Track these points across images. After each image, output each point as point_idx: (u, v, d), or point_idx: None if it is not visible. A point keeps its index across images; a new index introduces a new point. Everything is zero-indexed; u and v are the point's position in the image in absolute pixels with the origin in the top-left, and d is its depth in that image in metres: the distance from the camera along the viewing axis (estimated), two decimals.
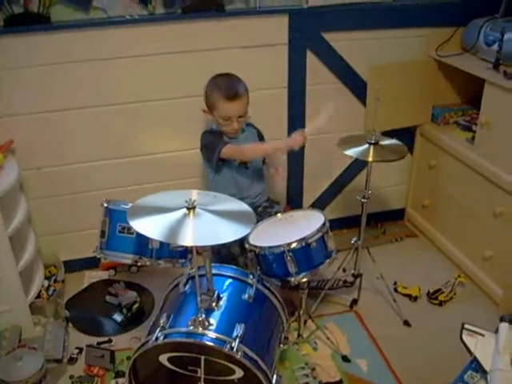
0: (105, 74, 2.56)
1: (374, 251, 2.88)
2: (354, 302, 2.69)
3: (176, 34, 2.57)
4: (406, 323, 2.56)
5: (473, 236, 2.78)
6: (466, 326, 1.73)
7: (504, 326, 1.67)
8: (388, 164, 2.89)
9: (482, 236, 2.70)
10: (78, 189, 2.76)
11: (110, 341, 2.48)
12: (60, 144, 2.67)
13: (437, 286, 2.74)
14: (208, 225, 1.70)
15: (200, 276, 1.96)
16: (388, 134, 2.87)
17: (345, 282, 2.74)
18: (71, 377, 2.30)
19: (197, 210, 1.71)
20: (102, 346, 2.42)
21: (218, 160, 2.44)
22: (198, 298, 1.84)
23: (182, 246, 2.04)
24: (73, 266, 2.92)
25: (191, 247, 1.76)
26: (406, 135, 3.11)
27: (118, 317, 2.60)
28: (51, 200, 2.77)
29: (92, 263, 2.88)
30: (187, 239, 1.64)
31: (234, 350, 1.78)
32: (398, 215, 3.41)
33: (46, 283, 2.66)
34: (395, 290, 2.76)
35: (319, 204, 3.19)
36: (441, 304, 2.66)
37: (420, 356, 2.36)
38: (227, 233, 1.70)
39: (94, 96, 2.60)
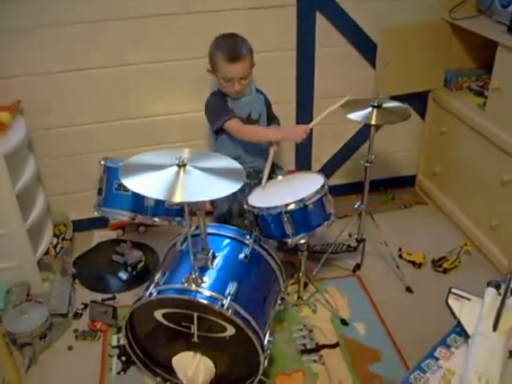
0: (111, 34, 2.56)
1: (381, 217, 2.89)
2: (357, 266, 2.69)
3: None
4: (408, 289, 2.55)
5: (480, 204, 2.74)
6: (453, 290, 1.72)
7: (490, 290, 1.65)
8: (399, 130, 2.89)
9: (489, 204, 2.66)
10: (86, 149, 2.79)
11: (114, 297, 2.55)
12: (68, 105, 2.69)
13: (442, 253, 2.72)
14: (198, 181, 1.71)
15: (197, 235, 2.01)
16: (399, 98, 2.84)
17: (348, 246, 2.74)
18: (75, 331, 2.38)
19: (187, 167, 1.72)
20: (106, 302, 2.48)
21: (220, 129, 2.44)
22: (191, 256, 1.86)
23: (177, 204, 2.06)
24: (82, 226, 2.98)
25: (185, 204, 1.78)
26: (419, 100, 3.06)
27: (123, 275, 2.67)
28: (60, 160, 2.82)
29: (101, 223, 2.94)
30: (177, 196, 1.66)
31: (225, 307, 1.81)
32: (408, 182, 3.37)
33: (54, 241, 2.73)
34: (400, 256, 2.75)
35: (328, 169, 3.18)
36: (445, 272, 2.64)
37: (419, 322, 2.35)
38: (217, 189, 1.71)
39: (101, 57, 2.61)
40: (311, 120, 2.93)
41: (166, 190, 1.66)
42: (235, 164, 1.87)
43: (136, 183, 1.71)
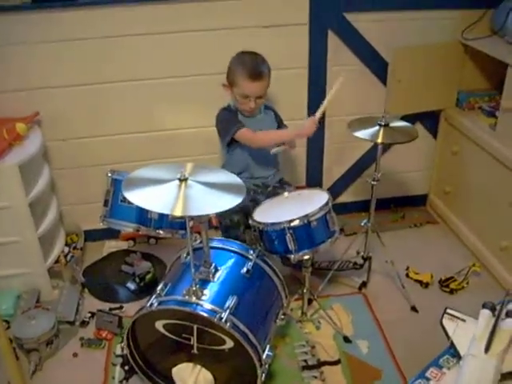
0: (129, 49, 2.64)
1: (391, 235, 2.92)
2: (363, 284, 2.69)
3: (199, 12, 2.61)
4: (414, 309, 2.54)
5: (491, 225, 2.72)
6: (448, 310, 1.72)
7: (484, 312, 1.64)
8: (411, 149, 2.90)
9: (499, 225, 2.64)
10: (100, 161, 2.85)
11: (121, 307, 2.59)
12: (84, 117, 2.77)
13: (451, 273, 2.70)
14: (199, 195, 1.75)
15: (201, 248, 2.04)
16: (411, 117, 2.87)
17: (354, 264, 2.74)
18: (81, 338, 2.42)
19: (189, 181, 1.76)
20: (113, 311, 2.52)
21: (231, 140, 2.48)
22: (192, 269, 1.89)
23: (180, 217, 2.10)
24: (94, 236, 3.04)
25: (186, 218, 1.82)
26: (431, 119, 3.07)
27: (131, 285, 2.70)
28: (75, 171, 2.89)
29: (112, 233, 2.97)
30: (178, 209, 1.69)
31: (223, 320, 1.84)
32: (420, 201, 3.36)
33: (66, 250, 2.79)
34: (407, 275, 2.74)
35: (339, 187, 3.20)
36: (452, 292, 2.62)
37: (422, 342, 2.32)
38: (218, 203, 1.75)
39: (120, 71, 2.68)
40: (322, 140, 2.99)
41: (167, 204, 1.70)
42: (236, 179, 1.90)
43: (138, 196, 1.75)
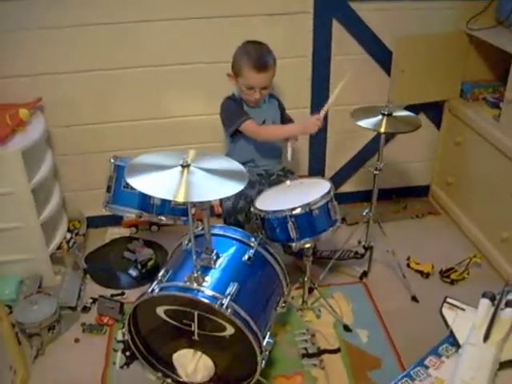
0: (134, 36, 2.64)
1: (392, 226, 2.93)
2: (365, 274, 2.70)
3: (204, 0, 2.60)
4: (414, 299, 2.55)
5: (492, 216, 2.72)
6: (448, 299, 1.72)
7: (484, 301, 1.65)
8: (414, 139, 2.89)
9: (500, 217, 2.64)
10: (103, 148, 2.85)
11: (122, 293, 2.61)
12: (87, 104, 2.77)
13: (451, 264, 2.70)
14: (201, 182, 1.75)
15: (203, 235, 2.05)
16: (415, 107, 2.86)
17: (356, 253, 2.75)
18: (83, 324, 2.44)
19: (191, 168, 1.76)
20: (115, 298, 2.53)
21: (235, 131, 2.47)
22: (194, 256, 1.90)
23: (182, 204, 2.11)
24: (97, 222, 3.06)
25: (189, 204, 1.83)
26: (434, 110, 3.07)
27: (133, 272, 2.72)
28: (78, 157, 2.90)
29: (115, 220, 3.00)
30: (180, 195, 1.70)
31: (224, 306, 1.84)
32: (422, 192, 3.36)
33: (68, 236, 2.79)
34: (408, 265, 2.74)
35: (341, 176, 3.21)
36: (452, 283, 2.63)
37: (422, 332, 2.32)
38: (220, 190, 1.75)
39: (123, 57, 2.68)
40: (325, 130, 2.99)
41: (169, 190, 1.70)
42: (238, 166, 1.90)
43: (141, 182, 1.75)
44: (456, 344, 1.61)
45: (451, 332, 1.64)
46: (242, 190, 1.75)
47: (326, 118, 2.86)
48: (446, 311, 1.70)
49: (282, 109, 2.65)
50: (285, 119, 2.65)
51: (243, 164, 2.36)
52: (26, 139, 2.41)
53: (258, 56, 2.38)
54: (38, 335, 2.27)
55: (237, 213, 2.44)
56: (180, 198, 1.69)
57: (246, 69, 2.38)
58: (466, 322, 1.63)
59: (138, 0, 2.56)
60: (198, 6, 2.61)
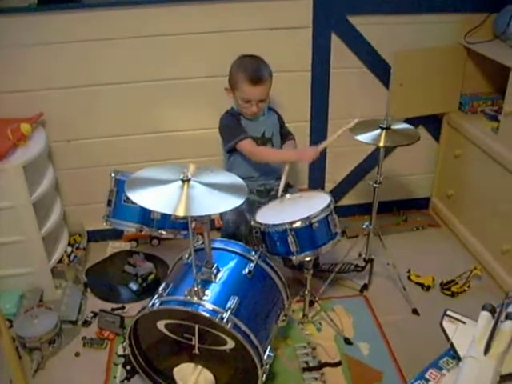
0: (134, 52, 2.66)
1: (393, 238, 2.94)
2: (365, 286, 2.70)
3: (203, 14, 2.62)
4: (415, 312, 2.55)
5: (493, 228, 2.72)
6: (448, 312, 1.72)
7: (484, 314, 1.65)
8: (414, 152, 2.91)
9: (501, 229, 2.64)
10: (103, 162, 2.87)
11: (123, 307, 2.61)
12: (89, 118, 2.79)
13: (452, 276, 2.70)
14: (202, 196, 1.76)
15: (202, 249, 2.05)
16: (414, 120, 2.88)
17: (356, 266, 2.75)
18: (83, 338, 2.43)
19: (191, 182, 1.77)
20: (115, 312, 2.53)
21: (233, 148, 2.49)
22: (194, 270, 1.90)
23: (183, 218, 2.11)
24: (97, 236, 3.06)
25: (190, 219, 1.83)
26: (433, 123, 3.08)
27: (133, 286, 2.72)
28: (79, 171, 2.91)
29: (116, 234, 3.01)
30: (181, 210, 1.70)
31: (225, 320, 1.84)
32: (423, 204, 3.36)
33: (69, 250, 2.80)
34: (408, 277, 2.74)
35: (341, 189, 3.21)
36: (453, 295, 2.63)
37: (423, 345, 2.31)
38: (220, 204, 1.76)
39: (124, 73, 2.70)
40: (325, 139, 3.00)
41: (170, 204, 1.71)
42: (238, 180, 1.92)
43: (141, 196, 1.76)
44: (457, 357, 1.61)
45: (452, 345, 1.64)
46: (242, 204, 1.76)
47: (325, 122, 2.94)
48: (446, 324, 1.70)
49: (281, 122, 2.66)
50: (284, 132, 2.66)
51: (242, 179, 2.39)
52: (27, 154, 2.42)
53: (253, 69, 2.40)
54: (38, 349, 2.27)
55: (240, 222, 2.44)
56: (180, 213, 1.69)
57: (242, 82, 2.40)
58: (466, 334, 1.63)
59: (134, 15, 2.58)
60: (198, 20, 2.63)
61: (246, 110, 2.47)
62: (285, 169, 2.42)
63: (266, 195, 2.56)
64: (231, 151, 2.52)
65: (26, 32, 2.52)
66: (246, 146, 2.45)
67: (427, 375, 1.59)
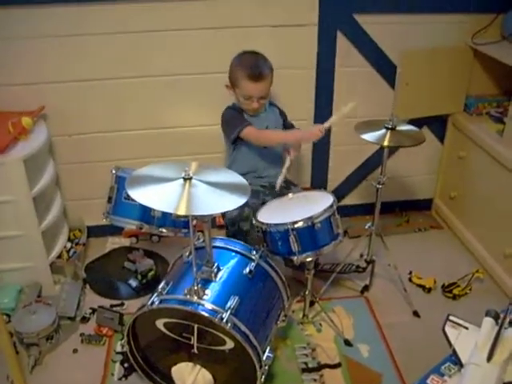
0: (135, 46, 2.63)
1: (395, 239, 2.92)
2: (366, 287, 2.68)
3: (207, 10, 2.59)
4: (416, 314, 2.53)
5: (495, 231, 2.70)
6: (451, 317, 1.70)
7: (487, 320, 1.63)
8: (418, 153, 2.89)
9: (504, 232, 2.62)
10: (105, 157, 2.84)
11: (122, 304, 2.59)
12: (90, 113, 2.76)
13: (454, 279, 2.68)
14: (203, 195, 1.74)
15: (204, 247, 2.03)
16: (419, 121, 2.85)
17: (357, 267, 2.73)
18: (81, 334, 2.41)
19: (193, 180, 1.75)
20: (114, 308, 2.52)
21: (236, 138, 2.47)
22: (194, 268, 1.89)
23: (184, 216, 2.09)
24: (97, 232, 3.04)
25: (191, 218, 1.81)
26: (438, 124, 3.06)
27: (133, 282, 2.70)
28: (79, 166, 2.88)
29: (116, 230, 2.97)
30: (182, 208, 1.68)
31: (224, 320, 1.83)
32: (425, 205, 3.34)
33: (68, 245, 2.78)
34: (410, 279, 2.72)
35: (344, 189, 3.19)
36: (454, 298, 2.60)
37: (423, 347, 2.31)
38: (221, 203, 1.74)
39: (125, 68, 2.67)
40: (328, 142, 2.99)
41: (171, 203, 1.69)
42: (241, 179, 1.89)
43: (142, 194, 1.74)
44: (459, 363, 1.59)
45: (454, 351, 1.62)
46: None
47: (329, 130, 2.89)
48: (448, 329, 1.68)
49: (283, 116, 2.65)
50: (288, 125, 2.65)
51: (246, 174, 2.38)
52: (28, 147, 2.40)
53: (253, 66, 2.39)
54: (36, 345, 2.25)
55: (241, 220, 2.41)
56: (181, 212, 1.68)
57: (243, 79, 2.38)
58: (469, 340, 1.61)
59: (142, 10, 2.55)
60: (202, 16, 2.61)
61: (247, 106, 2.46)
62: (286, 161, 2.41)
63: (271, 191, 2.53)
64: (235, 143, 2.50)
65: (28, 24, 2.49)
66: (251, 131, 2.43)
67: (429, 381, 1.57)
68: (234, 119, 2.49)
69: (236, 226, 2.45)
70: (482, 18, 2.73)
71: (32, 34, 2.52)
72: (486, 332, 1.60)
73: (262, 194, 2.51)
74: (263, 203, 2.40)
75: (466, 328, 1.68)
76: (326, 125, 2.35)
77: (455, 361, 1.62)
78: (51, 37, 2.55)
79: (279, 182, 2.39)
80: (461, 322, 1.70)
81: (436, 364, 1.70)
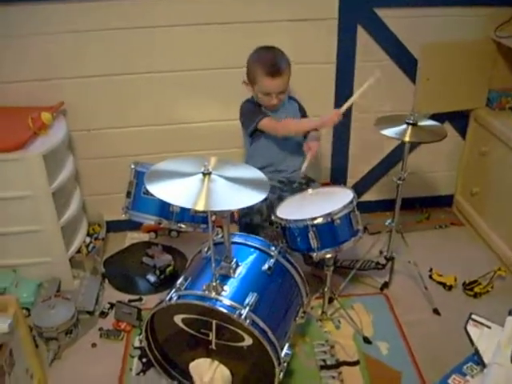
0: (153, 41, 2.63)
1: (415, 236, 2.89)
2: (385, 284, 2.65)
3: (224, 5, 2.58)
4: (436, 311, 2.49)
5: None
6: (473, 316, 1.67)
7: (511, 319, 1.59)
8: (439, 148, 2.85)
9: None
10: (124, 152, 2.85)
11: (140, 299, 2.60)
12: (110, 108, 2.77)
13: (475, 277, 2.64)
14: (222, 190, 1.73)
15: (222, 243, 2.02)
16: (440, 116, 2.81)
17: (377, 263, 2.70)
18: (100, 329, 2.42)
19: (212, 176, 1.74)
20: (132, 303, 2.52)
21: (255, 130, 2.45)
22: (213, 264, 1.88)
23: (202, 212, 2.08)
24: (116, 227, 3.05)
25: (210, 213, 1.80)
26: (460, 119, 3.01)
27: (151, 277, 2.71)
28: (99, 161, 2.90)
29: (134, 225, 2.96)
30: (200, 204, 1.67)
31: (243, 317, 1.81)
32: (446, 202, 3.30)
33: (88, 240, 2.79)
34: (430, 276, 2.69)
35: (364, 185, 3.17)
36: (475, 296, 2.57)
37: (443, 346, 2.29)
38: (241, 199, 1.72)
39: (145, 63, 2.68)
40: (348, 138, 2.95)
41: (190, 198, 1.68)
42: (260, 174, 1.88)
43: (161, 189, 1.74)
44: (481, 363, 1.56)
45: (476, 350, 1.59)
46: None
47: (348, 120, 2.87)
48: (470, 328, 1.65)
49: (302, 111, 2.63)
50: None
51: (264, 168, 2.36)
52: (47, 143, 2.41)
53: (271, 62, 2.36)
54: (55, 339, 2.27)
55: (253, 213, 2.40)
56: (200, 207, 1.66)
57: (261, 76, 2.36)
58: (491, 340, 1.58)
59: (157, 5, 2.55)
60: (221, 11, 2.60)
61: (265, 102, 2.44)
62: (307, 156, 2.39)
63: (289, 186, 2.52)
64: (253, 135, 2.49)
65: (47, 20, 2.50)
66: (269, 122, 2.42)
67: (450, 381, 1.54)
68: (252, 111, 2.48)
69: (247, 217, 2.44)
70: (505, 11, 2.68)
71: (49, 30, 2.53)
72: (510, 331, 1.57)
73: (279, 189, 2.49)
74: (279, 198, 2.38)
75: (489, 327, 1.64)
76: (344, 108, 2.33)
77: (477, 361, 1.59)
78: (69, 32, 2.56)
79: (304, 167, 2.37)
80: (483, 320, 1.67)
81: (457, 363, 1.67)
